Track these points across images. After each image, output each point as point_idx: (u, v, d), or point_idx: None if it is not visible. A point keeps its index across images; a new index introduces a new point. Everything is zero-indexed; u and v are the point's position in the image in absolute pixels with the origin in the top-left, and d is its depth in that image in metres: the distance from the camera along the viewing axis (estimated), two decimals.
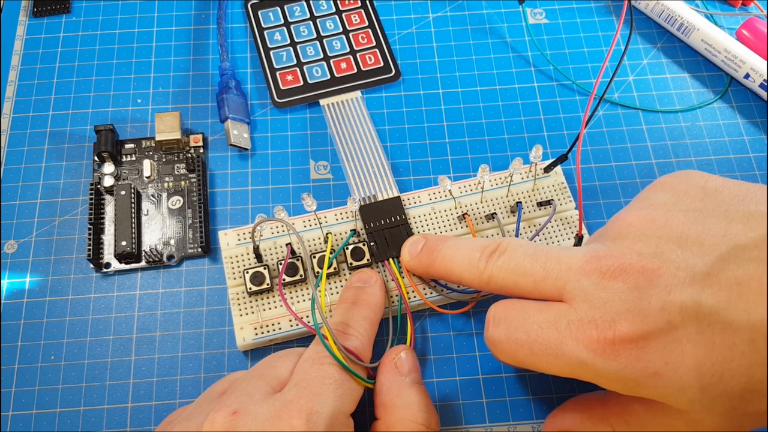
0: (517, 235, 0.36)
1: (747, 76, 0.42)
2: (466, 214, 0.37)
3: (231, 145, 0.39)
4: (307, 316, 0.35)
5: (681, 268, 0.26)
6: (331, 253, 0.35)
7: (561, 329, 0.27)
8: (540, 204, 0.38)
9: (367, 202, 0.37)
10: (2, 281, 0.37)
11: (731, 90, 0.43)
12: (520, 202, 0.37)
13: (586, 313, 0.26)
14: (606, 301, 0.26)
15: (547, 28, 0.45)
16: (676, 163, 0.40)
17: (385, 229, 0.36)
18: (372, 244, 0.36)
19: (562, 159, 0.37)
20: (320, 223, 0.37)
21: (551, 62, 0.43)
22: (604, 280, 0.27)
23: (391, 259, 0.36)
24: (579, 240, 0.36)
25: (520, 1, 0.43)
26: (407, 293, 0.35)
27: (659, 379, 0.25)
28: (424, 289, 0.36)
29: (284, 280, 0.35)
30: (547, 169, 0.38)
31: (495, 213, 0.37)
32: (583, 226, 0.36)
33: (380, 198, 0.37)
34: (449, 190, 0.37)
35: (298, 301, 0.35)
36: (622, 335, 0.25)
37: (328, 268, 0.35)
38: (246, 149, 0.40)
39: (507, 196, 0.38)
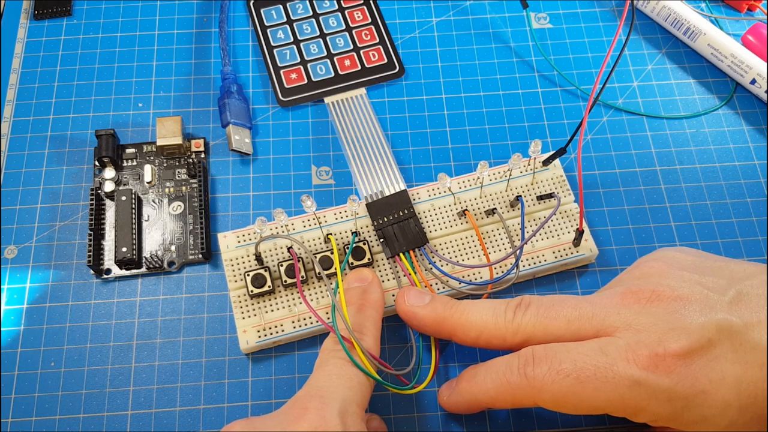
0: (522, 228, 0.36)
1: (753, 81, 0.41)
2: (466, 210, 0.37)
3: (232, 150, 0.39)
4: (327, 314, 0.35)
5: (709, 297, 0.28)
6: (339, 260, 0.35)
7: (610, 353, 0.27)
8: (540, 198, 0.38)
9: (374, 198, 0.37)
10: (2, 286, 0.36)
11: (736, 96, 0.42)
12: (521, 196, 0.37)
13: (633, 337, 0.28)
14: (650, 324, 0.28)
15: (551, 33, 0.44)
16: (681, 170, 0.40)
17: (393, 224, 0.36)
18: (381, 240, 0.36)
19: (561, 152, 0.37)
20: (320, 223, 0.37)
21: (555, 67, 0.43)
22: (644, 308, 0.28)
23: (401, 254, 0.36)
24: (579, 234, 0.36)
25: (524, 6, 0.43)
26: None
27: (706, 397, 0.27)
28: (436, 284, 0.36)
29: (285, 281, 0.35)
30: (546, 162, 0.38)
31: (495, 208, 0.37)
32: (584, 221, 0.36)
33: (387, 193, 0.37)
34: (449, 187, 0.37)
35: (302, 302, 0.35)
36: (672, 351, 0.27)
37: (333, 271, 0.35)
38: (248, 154, 0.40)
39: (506, 191, 0.38)
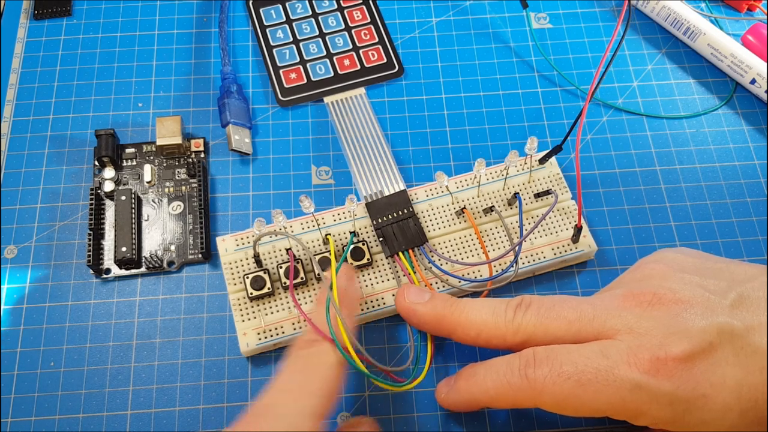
0: (521, 226, 0.36)
1: (753, 81, 0.41)
2: (464, 208, 0.37)
3: (232, 150, 0.39)
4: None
5: (710, 300, 0.28)
6: (336, 259, 0.35)
7: (611, 356, 0.27)
8: (537, 195, 0.38)
9: (374, 198, 0.37)
10: (2, 286, 0.36)
11: (736, 96, 0.42)
12: (518, 193, 0.37)
13: (634, 341, 0.28)
14: (651, 328, 0.28)
15: (551, 33, 0.44)
16: (680, 170, 0.40)
17: (393, 224, 0.36)
18: (381, 240, 0.36)
19: (557, 150, 0.37)
20: (318, 225, 0.37)
21: (555, 67, 0.43)
22: (645, 311, 0.28)
23: (401, 253, 0.36)
24: (578, 231, 0.36)
25: (523, 6, 0.43)
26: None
27: (707, 401, 0.27)
28: (436, 283, 0.36)
29: (285, 284, 0.35)
30: (542, 161, 0.38)
31: (493, 206, 0.37)
32: (582, 218, 0.36)
33: (386, 193, 0.37)
34: (446, 186, 0.37)
35: (301, 304, 0.35)
36: (674, 355, 0.27)
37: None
38: (247, 154, 0.40)
39: (503, 189, 0.38)
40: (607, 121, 0.42)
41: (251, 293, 0.35)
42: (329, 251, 0.35)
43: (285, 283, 0.35)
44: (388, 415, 0.34)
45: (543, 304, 0.30)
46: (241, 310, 0.35)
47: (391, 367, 0.32)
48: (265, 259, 0.36)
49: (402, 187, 0.38)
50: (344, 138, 0.40)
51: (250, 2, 0.45)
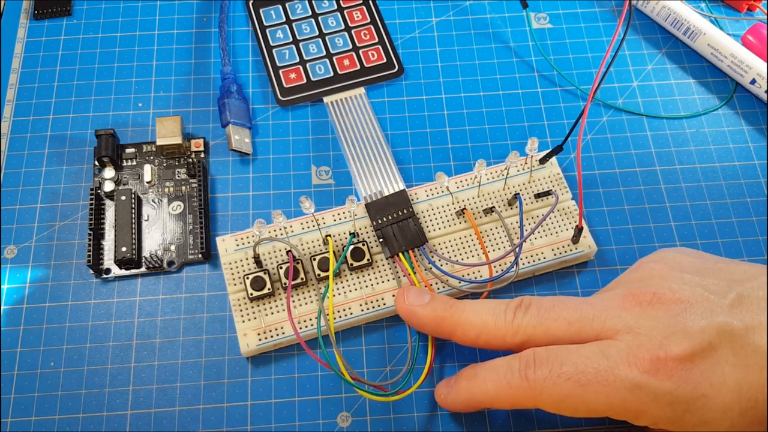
0: (521, 226, 0.36)
1: (753, 81, 0.41)
2: (464, 209, 0.37)
3: (232, 150, 0.39)
4: (311, 319, 0.35)
5: (710, 300, 0.28)
6: (335, 260, 0.35)
7: (611, 356, 0.27)
8: (537, 195, 0.38)
9: (373, 198, 0.37)
10: (2, 286, 0.36)
11: (736, 96, 0.42)
12: (519, 194, 0.37)
13: (634, 341, 0.28)
14: (651, 328, 0.28)
15: (551, 33, 0.44)
16: (681, 170, 0.40)
17: (393, 224, 0.36)
18: (381, 240, 0.36)
19: (557, 150, 0.37)
20: (319, 225, 0.37)
21: (555, 67, 0.43)
22: (645, 311, 0.28)
23: (401, 254, 0.36)
24: (578, 231, 0.36)
25: (524, 6, 0.43)
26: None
27: (707, 401, 0.27)
28: (436, 284, 0.36)
29: (285, 284, 0.35)
30: (543, 161, 0.38)
31: (493, 206, 0.37)
32: (583, 218, 0.36)
33: (386, 193, 0.37)
34: (446, 186, 0.37)
35: (301, 304, 0.35)
36: (674, 354, 0.27)
37: (333, 274, 0.35)
38: (247, 154, 0.40)
39: (504, 189, 0.38)
40: (607, 121, 0.42)
41: (251, 294, 0.35)
42: (329, 252, 0.35)
43: (285, 283, 0.35)
44: (387, 416, 0.34)
45: (542, 304, 0.30)
46: (241, 310, 0.35)
47: (380, 382, 0.32)
48: (265, 260, 0.36)
49: (401, 186, 0.38)
50: (344, 138, 0.40)
51: (250, 2, 0.45)
